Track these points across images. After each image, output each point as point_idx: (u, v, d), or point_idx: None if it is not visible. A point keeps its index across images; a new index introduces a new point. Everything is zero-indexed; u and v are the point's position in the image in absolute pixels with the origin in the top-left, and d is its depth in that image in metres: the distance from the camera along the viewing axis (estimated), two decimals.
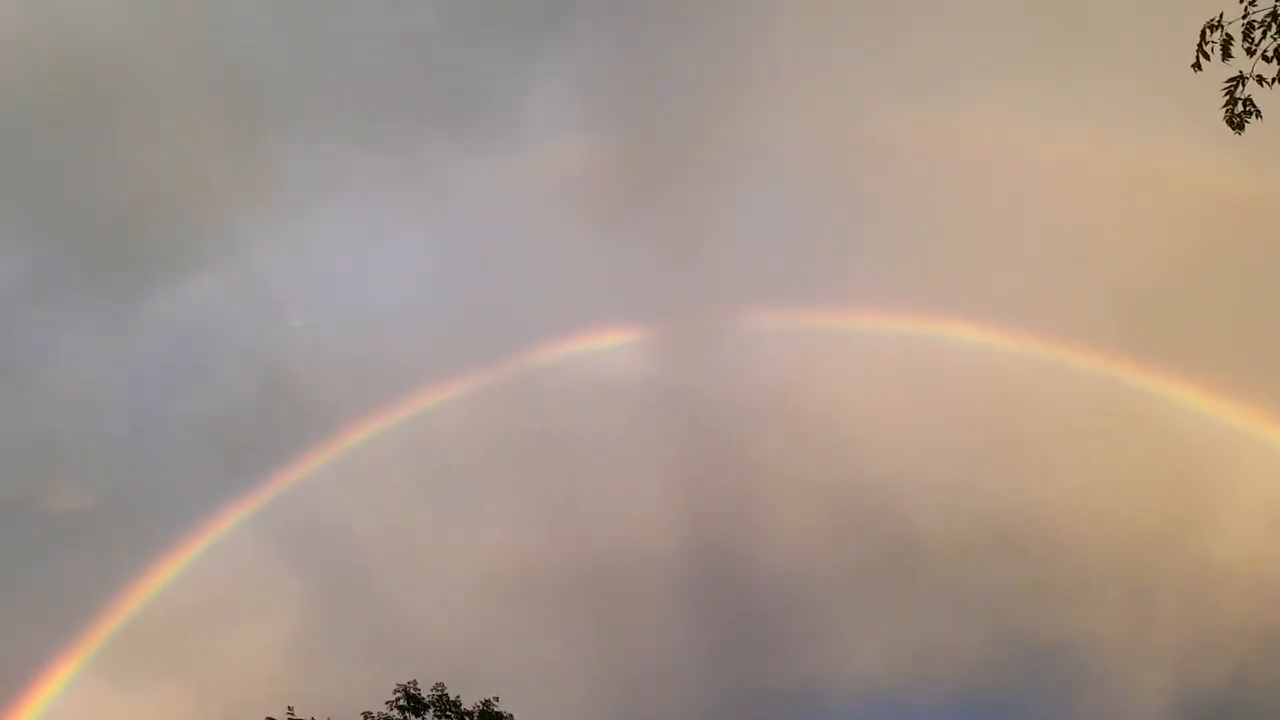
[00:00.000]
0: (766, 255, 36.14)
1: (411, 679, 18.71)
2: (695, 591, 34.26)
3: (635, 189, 35.18)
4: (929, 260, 35.02)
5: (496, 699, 19.00)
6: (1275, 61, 8.34)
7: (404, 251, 36.62)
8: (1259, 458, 30.45)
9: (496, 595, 31.78)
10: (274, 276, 36.12)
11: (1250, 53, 8.36)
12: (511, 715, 19.11)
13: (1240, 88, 8.47)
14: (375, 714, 18.47)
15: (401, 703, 18.58)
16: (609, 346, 32.31)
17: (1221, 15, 8.53)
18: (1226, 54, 8.49)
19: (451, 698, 18.78)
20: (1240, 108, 8.47)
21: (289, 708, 18.16)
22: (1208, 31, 8.52)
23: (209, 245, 35.60)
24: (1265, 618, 29.21)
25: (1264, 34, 8.26)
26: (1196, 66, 8.62)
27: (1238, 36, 8.45)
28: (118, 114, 34.28)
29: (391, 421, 29.43)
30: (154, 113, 34.18)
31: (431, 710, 18.72)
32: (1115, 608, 31.63)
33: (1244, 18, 8.40)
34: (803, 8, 34.24)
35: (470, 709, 18.90)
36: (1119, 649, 30.98)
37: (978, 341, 31.80)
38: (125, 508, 33.58)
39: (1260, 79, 8.42)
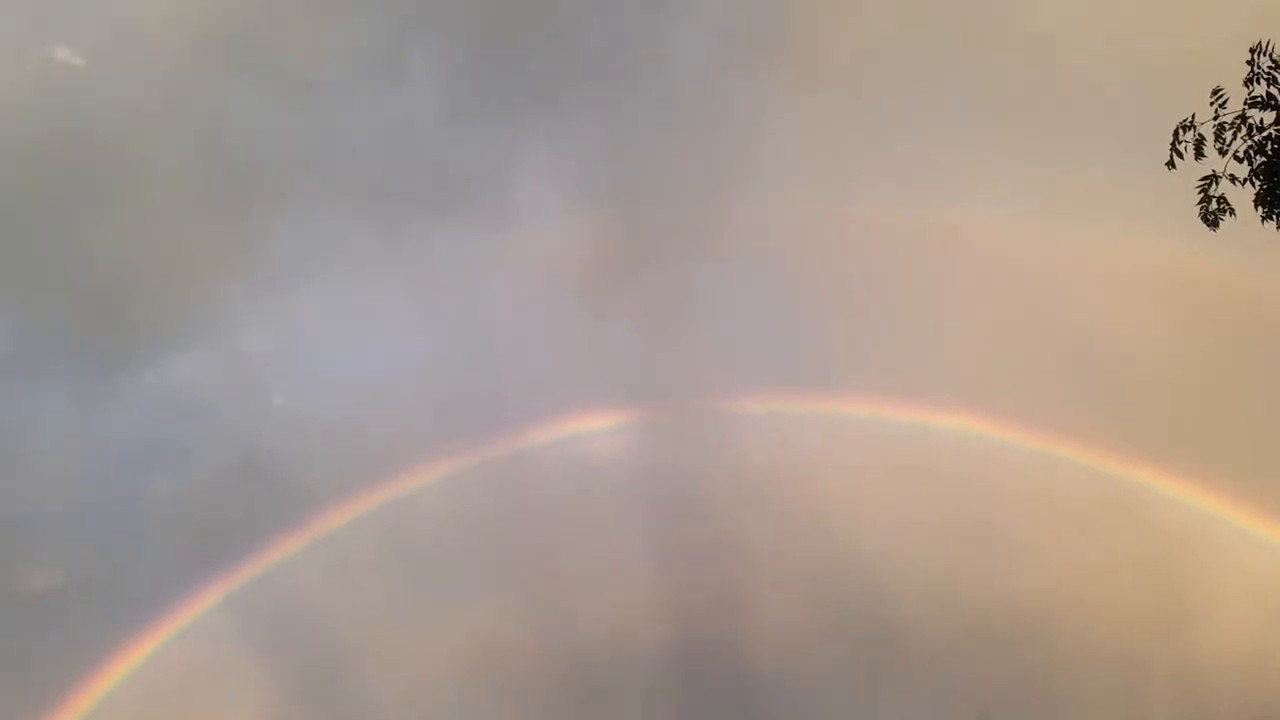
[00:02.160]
0: (755, 340, 36.40)
1: None
2: (681, 685, 33.53)
3: (624, 272, 35.59)
4: (917, 349, 35.35)
5: None
6: (1246, 162, 8.63)
7: (390, 331, 36.66)
8: (1246, 551, 30.34)
9: (477, 689, 30.99)
10: (258, 354, 36.02)
11: (1222, 153, 8.67)
12: None
13: (1214, 186, 8.76)
14: None
15: None
16: (596, 429, 32.26)
17: (1194, 116, 8.87)
18: (1199, 154, 8.81)
19: None
20: (1215, 205, 8.74)
21: None
22: (1181, 132, 8.85)
23: (192, 322, 35.57)
24: (1255, 714, 28.69)
25: (1234, 135, 8.58)
26: (1171, 165, 8.93)
27: (1210, 137, 8.77)
28: (103, 188, 34.60)
29: (372, 504, 29.10)
30: (141, 188, 34.51)
31: None
32: (1104, 703, 31.02)
33: (1215, 119, 8.74)
34: (796, 101, 35.20)
35: None
36: None
37: (965, 430, 31.93)
38: (96, 589, 32.84)
39: (1233, 178, 8.71)
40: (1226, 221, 8.96)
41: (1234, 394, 31.03)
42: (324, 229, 36.26)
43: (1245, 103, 8.53)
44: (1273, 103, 8.36)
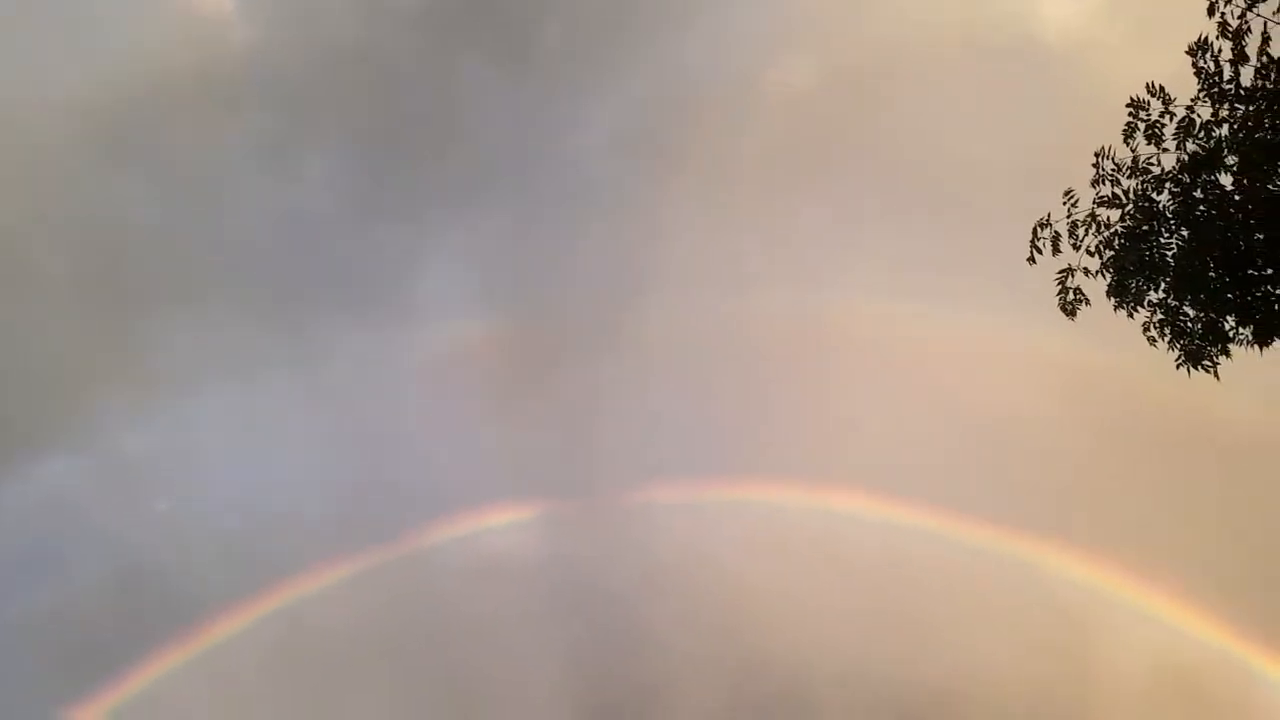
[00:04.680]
0: (660, 434, 36.58)
1: None
2: None
3: (528, 369, 35.56)
4: (819, 438, 36.03)
5: None
6: (1098, 256, 9.24)
7: (285, 432, 35.44)
8: (1143, 629, 31.25)
9: None
10: (142, 459, 34.42)
11: (1076, 248, 9.26)
12: None
13: (1070, 279, 9.32)
14: None
15: None
16: (500, 525, 31.66)
17: (1050, 215, 9.48)
18: (1056, 249, 9.38)
19: None
20: (1071, 296, 9.28)
21: None
22: (1039, 229, 9.44)
23: (73, 426, 33.88)
24: None
25: (1085, 232, 9.19)
26: (1031, 260, 9.49)
27: (1065, 234, 9.37)
28: None
29: (262, 613, 27.69)
30: (18, 285, 33.20)
31: None
32: None
33: (1068, 218, 9.35)
34: (695, 201, 36.27)
35: None
36: None
37: (869, 515, 32.45)
38: None
39: (1086, 271, 9.29)
40: (1102, 311, 9.54)
41: (1124, 477, 32.39)
42: (216, 328, 35.34)
43: (1094, 202, 9.17)
44: (1117, 202, 9.01)
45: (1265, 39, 8.38)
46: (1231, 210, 8.43)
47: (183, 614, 29.68)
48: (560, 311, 36.27)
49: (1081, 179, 9.39)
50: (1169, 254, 8.87)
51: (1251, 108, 8.36)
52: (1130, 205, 8.87)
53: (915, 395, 35.35)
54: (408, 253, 37.01)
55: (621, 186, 36.99)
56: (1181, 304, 8.96)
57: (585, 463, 35.18)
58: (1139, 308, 9.14)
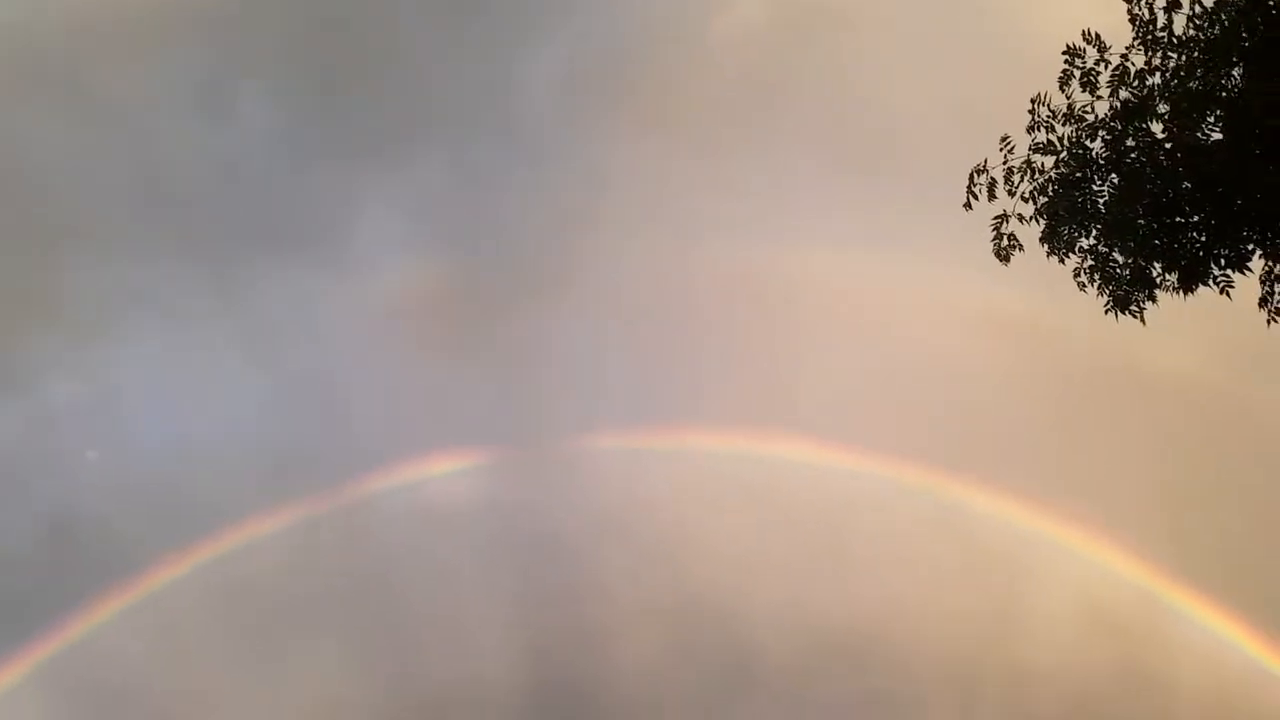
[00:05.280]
0: (602, 380, 36.60)
1: None
2: None
3: (469, 314, 35.14)
4: (758, 383, 36.44)
5: None
6: (1032, 202, 9.38)
7: (218, 376, 34.51)
8: (1063, 563, 32.52)
9: None
10: (67, 406, 33.36)
11: (1011, 194, 9.39)
12: None
13: (1005, 225, 9.47)
14: None
15: None
16: (443, 473, 31.54)
17: (986, 161, 9.58)
18: (992, 195, 9.51)
19: None
20: (1005, 242, 9.44)
21: None
22: (975, 175, 9.54)
23: None
24: (1075, 715, 30.65)
25: (1020, 178, 9.31)
26: (967, 206, 9.60)
27: (1000, 180, 9.49)
28: None
29: (200, 563, 27.29)
30: None
31: None
32: (941, 714, 32.47)
33: (1004, 164, 9.46)
34: (641, 146, 35.89)
35: None
36: None
37: (807, 459, 33.07)
38: None
39: (1021, 217, 9.44)
40: (1036, 257, 9.70)
41: (1045, 418, 33.41)
42: (144, 271, 34.16)
43: (1029, 149, 9.29)
44: (1052, 149, 9.14)
45: None
46: (1161, 158, 8.61)
47: (117, 564, 29.15)
48: (502, 256, 35.86)
49: (1022, 126, 9.50)
50: (1100, 201, 9.05)
51: (1184, 57, 8.50)
52: (1064, 152, 9.01)
53: (855, 342, 35.89)
54: (344, 195, 36.09)
55: (566, 129, 36.46)
56: (1111, 250, 9.17)
57: (528, 410, 35.14)
58: (1070, 254, 9.32)
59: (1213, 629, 27.98)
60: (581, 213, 35.45)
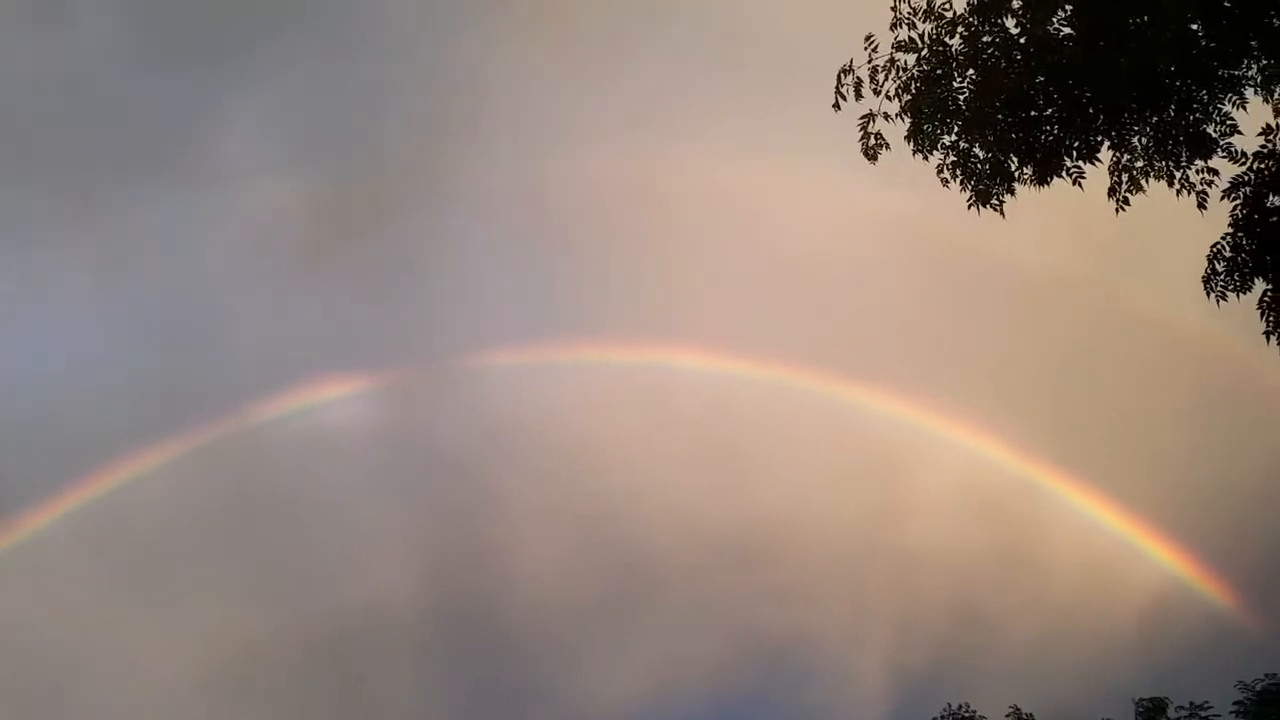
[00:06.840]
0: (488, 295, 36.21)
1: None
2: (444, 643, 33.38)
3: (345, 233, 34.04)
4: (647, 291, 36.65)
5: None
6: (897, 100, 9.51)
7: (81, 304, 32.66)
8: (944, 455, 34.26)
9: (220, 686, 29.15)
10: None
11: (876, 93, 9.49)
12: None
13: (871, 124, 9.59)
14: None
15: None
16: (331, 398, 30.90)
17: (852, 61, 9.64)
18: (859, 95, 9.59)
19: None
20: (873, 141, 9.58)
21: None
22: (842, 75, 9.59)
23: None
24: (959, 596, 32.78)
25: (885, 77, 9.41)
26: (836, 106, 9.68)
27: (866, 79, 9.57)
28: None
29: (78, 500, 26.23)
30: None
31: None
32: (834, 602, 34.28)
33: (869, 63, 9.53)
34: (513, 49, 34.84)
35: None
36: (839, 640, 33.56)
37: (700, 366, 33.67)
38: None
39: (886, 115, 9.57)
40: (903, 154, 9.84)
41: (926, 316, 34.69)
42: None
43: (892, 47, 9.37)
44: (913, 46, 9.24)
45: None
46: (1015, 53, 8.82)
47: None
48: (378, 167, 34.65)
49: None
50: (961, 97, 9.23)
51: None
52: (925, 49, 9.12)
53: (740, 247, 36.31)
54: (204, 108, 34.09)
55: (439, 29, 35.08)
56: (972, 146, 9.40)
57: (416, 329, 34.59)
58: (934, 151, 9.52)
59: (1086, 512, 29.88)
60: (465, 117, 34.43)
